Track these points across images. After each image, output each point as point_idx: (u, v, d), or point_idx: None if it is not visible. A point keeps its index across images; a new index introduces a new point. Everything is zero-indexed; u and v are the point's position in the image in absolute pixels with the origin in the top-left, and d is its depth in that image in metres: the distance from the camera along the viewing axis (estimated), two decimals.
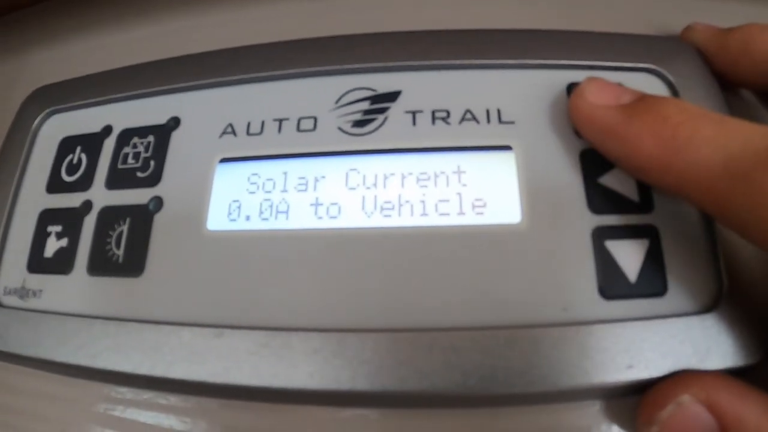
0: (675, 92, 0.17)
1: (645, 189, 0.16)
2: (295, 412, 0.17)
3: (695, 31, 0.18)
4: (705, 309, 0.15)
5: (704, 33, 0.18)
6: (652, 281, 0.15)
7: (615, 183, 0.16)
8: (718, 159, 0.12)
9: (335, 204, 0.17)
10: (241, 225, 0.17)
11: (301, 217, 0.17)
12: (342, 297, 0.16)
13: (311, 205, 0.17)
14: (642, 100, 0.15)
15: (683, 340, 0.14)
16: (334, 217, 0.17)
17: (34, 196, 0.20)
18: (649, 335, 0.14)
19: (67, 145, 0.20)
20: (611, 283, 0.15)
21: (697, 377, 0.14)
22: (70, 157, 0.20)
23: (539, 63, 0.18)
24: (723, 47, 0.17)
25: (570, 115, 0.16)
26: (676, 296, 0.15)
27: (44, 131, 0.21)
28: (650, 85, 0.18)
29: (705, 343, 0.14)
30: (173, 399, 0.18)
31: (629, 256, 0.15)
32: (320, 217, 0.17)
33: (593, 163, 0.16)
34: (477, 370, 0.14)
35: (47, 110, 0.21)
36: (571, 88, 0.17)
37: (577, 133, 0.17)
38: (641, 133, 0.14)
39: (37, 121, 0.21)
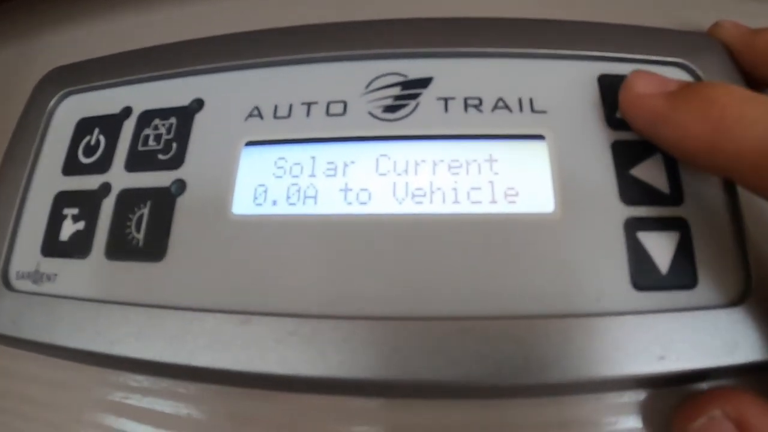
0: None
1: (675, 181, 0.16)
2: (321, 401, 0.16)
3: (723, 28, 0.19)
4: (733, 302, 0.15)
5: (732, 31, 0.18)
6: (683, 273, 0.15)
7: (646, 174, 0.16)
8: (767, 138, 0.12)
9: (365, 190, 0.17)
10: (267, 209, 0.17)
11: (330, 203, 0.17)
12: (372, 284, 0.16)
13: (340, 190, 0.17)
14: (688, 86, 0.15)
15: (713, 333, 0.14)
16: (364, 203, 0.16)
17: (49, 178, 0.19)
18: (680, 327, 0.14)
19: (84, 126, 0.20)
20: (643, 274, 0.15)
21: (730, 394, 0.14)
22: (87, 138, 0.20)
23: (572, 54, 0.18)
24: (750, 47, 0.18)
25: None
26: (705, 289, 0.15)
27: (60, 112, 0.21)
28: (679, 79, 0.18)
29: (733, 337, 0.14)
30: (192, 388, 0.17)
31: (661, 247, 0.15)
32: (350, 203, 0.16)
33: (625, 154, 0.16)
34: (509, 360, 0.14)
35: (63, 91, 0.21)
36: (602, 79, 0.17)
37: (610, 124, 0.17)
38: (689, 117, 0.14)
39: (52, 103, 0.21)
